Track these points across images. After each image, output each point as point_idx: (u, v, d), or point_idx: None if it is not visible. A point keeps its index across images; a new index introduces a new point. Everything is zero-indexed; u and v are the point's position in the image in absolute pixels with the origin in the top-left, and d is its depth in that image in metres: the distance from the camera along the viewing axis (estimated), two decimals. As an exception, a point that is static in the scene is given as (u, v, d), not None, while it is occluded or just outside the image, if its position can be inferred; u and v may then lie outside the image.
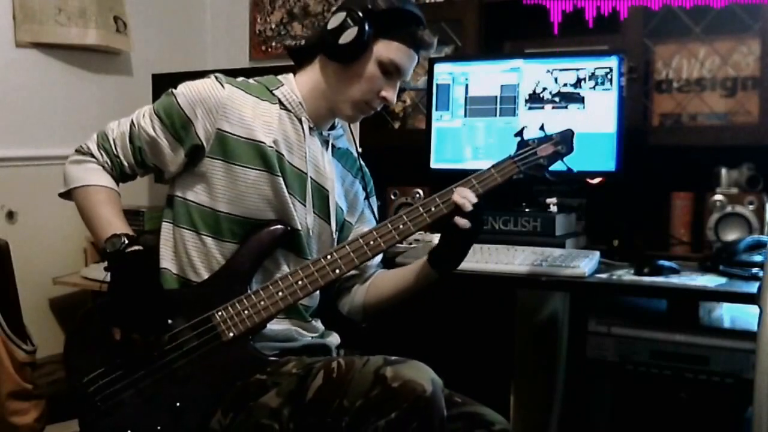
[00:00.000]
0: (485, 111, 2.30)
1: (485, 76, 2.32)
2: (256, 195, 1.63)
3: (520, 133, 1.72)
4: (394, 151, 2.52)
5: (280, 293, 1.58)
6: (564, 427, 2.39)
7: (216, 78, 1.67)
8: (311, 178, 1.69)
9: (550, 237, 2.12)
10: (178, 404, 1.55)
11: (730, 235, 2.10)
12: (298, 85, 1.71)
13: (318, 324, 1.76)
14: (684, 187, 2.25)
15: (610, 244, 2.17)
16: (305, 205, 1.68)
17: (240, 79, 1.71)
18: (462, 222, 1.60)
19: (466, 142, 2.32)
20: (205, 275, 1.64)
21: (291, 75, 1.74)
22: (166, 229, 1.70)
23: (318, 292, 1.70)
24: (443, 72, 2.37)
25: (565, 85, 2.21)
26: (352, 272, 1.71)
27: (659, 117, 2.37)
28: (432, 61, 2.41)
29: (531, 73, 2.25)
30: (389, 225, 1.62)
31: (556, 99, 2.21)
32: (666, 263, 1.93)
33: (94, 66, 2.92)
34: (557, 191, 2.26)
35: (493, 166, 1.67)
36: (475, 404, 1.61)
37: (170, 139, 1.65)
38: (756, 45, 2.21)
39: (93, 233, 1.65)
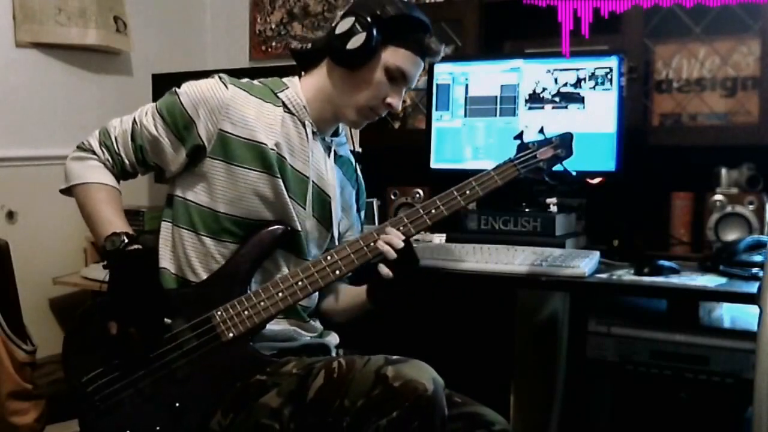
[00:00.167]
0: (485, 111, 2.30)
1: (485, 76, 2.31)
2: (255, 196, 1.63)
3: (519, 136, 1.72)
4: (394, 151, 2.52)
5: (280, 294, 1.58)
6: (564, 427, 2.39)
7: (220, 78, 1.67)
8: (314, 182, 1.69)
9: (550, 237, 2.12)
10: (177, 404, 1.55)
11: (730, 235, 2.10)
12: (302, 89, 1.71)
13: (317, 324, 1.76)
14: (684, 187, 2.25)
15: (610, 244, 2.17)
16: (305, 209, 1.68)
17: (244, 80, 1.71)
18: (384, 271, 1.58)
19: (466, 142, 2.32)
20: (204, 275, 1.64)
21: (296, 78, 1.74)
22: (166, 228, 1.70)
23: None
24: (443, 72, 2.37)
25: (565, 85, 2.21)
26: None
27: (659, 117, 2.37)
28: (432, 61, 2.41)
29: (531, 73, 2.25)
30: (390, 226, 1.62)
31: (556, 99, 2.21)
32: (666, 263, 1.93)
33: (94, 66, 2.92)
34: (557, 191, 2.25)
35: (493, 169, 1.68)
36: (475, 404, 1.62)
37: (172, 138, 1.65)
38: (756, 45, 2.21)
39: (93, 231, 1.65)
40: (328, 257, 1.60)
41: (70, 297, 2.79)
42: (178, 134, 1.64)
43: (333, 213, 1.73)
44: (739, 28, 2.24)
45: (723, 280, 1.86)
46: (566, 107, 2.20)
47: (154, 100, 1.71)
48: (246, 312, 1.58)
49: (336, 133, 1.79)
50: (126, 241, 1.55)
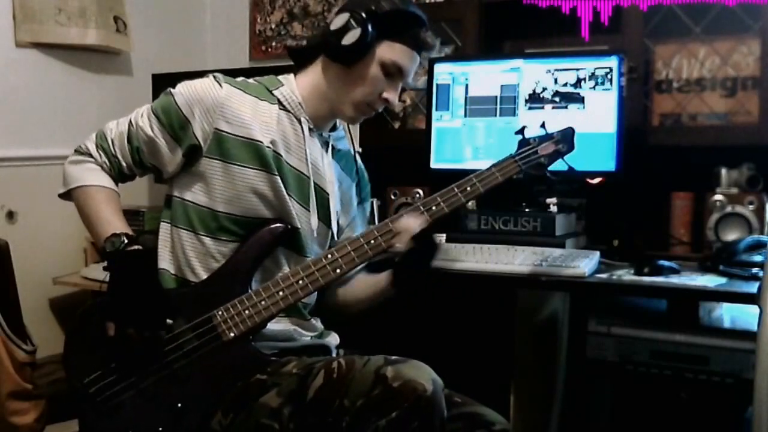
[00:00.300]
0: (485, 111, 2.30)
1: (485, 76, 2.31)
2: (254, 194, 1.63)
3: (521, 132, 1.72)
4: (394, 151, 2.52)
5: (281, 293, 1.58)
6: (564, 427, 2.39)
7: (214, 78, 1.67)
8: (313, 181, 1.69)
9: (550, 237, 2.12)
10: (179, 405, 1.55)
11: (730, 235, 2.09)
12: (298, 86, 1.71)
13: (317, 323, 1.76)
14: (684, 187, 2.25)
15: (610, 244, 2.17)
16: (308, 209, 1.68)
17: (239, 79, 1.71)
18: (399, 247, 1.60)
19: (466, 142, 2.32)
20: (203, 275, 1.64)
21: (291, 75, 1.74)
22: (164, 229, 1.70)
23: (316, 290, 1.70)
24: (443, 72, 2.37)
25: (565, 85, 2.21)
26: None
27: (659, 117, 2.37)
28: (432, 61, 2.41)
29: (531, 73, 2.25)
30: (390, 224, 1.62)
31: (556, 99, 2.21)
32: (666, 263, 1.93)
33: (94, 66, 2.92)
34: (557, 191, 2.25)
35: (494, 165, 1.68)
36: (475, 404, 1.62)
37: (168, 138, 1.65)
38: (756, 45, 2.21)
39: (92, 233, 1.65)
40: (329, 255, 1.60)
41: (70, 297, 2.79)
42: (174, 134, 1.64)
43: (331, 209, 1.73)
44: (739, 28, 2.24)
45: (723, 280, 1.86)
46: (566, 107, 2.20)
47: (154, 100, 1.71)
48: (246, 311, 1.58)
49: (334, 128, 1.79)
50: (126, 241, 1.55)
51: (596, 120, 2.15)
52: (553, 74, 2.22)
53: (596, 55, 2.20)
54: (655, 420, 1.94)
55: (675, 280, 1.87)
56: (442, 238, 2.17)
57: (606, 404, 2.03)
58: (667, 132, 2.33)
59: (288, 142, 1.68)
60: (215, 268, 1.64)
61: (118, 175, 1.71)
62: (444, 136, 2.36)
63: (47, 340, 2.27)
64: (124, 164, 1.69)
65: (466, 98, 2.33)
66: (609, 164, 2.14)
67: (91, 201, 1.65)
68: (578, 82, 2.19)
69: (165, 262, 1.68)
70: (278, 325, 1.65)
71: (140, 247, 1.57)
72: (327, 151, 1.74)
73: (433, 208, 1.63)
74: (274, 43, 3.19)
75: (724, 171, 2.19)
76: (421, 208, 1.63)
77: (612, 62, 2.16)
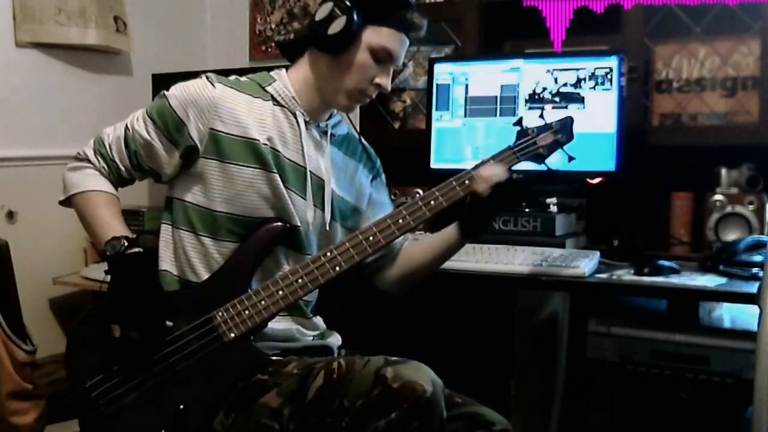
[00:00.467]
0: (485, 111, 2.30)
1: (485, 76, 2.32)
2: (253, 193, 1.63)
3: (519, 123, 1.71)
4: (394, 151, 2.50)
5: (281, 292, 1.58)
6: (564, 427, 2.39)
7: (207, 78, 1.66)
8: (311, 172, 1.69)
9: (550, 237, 2.12)
10: (180, 406, 1.55)
11: (730, 235, 2.10)
12: (290, 80, 1.71)
13: (319, 322, 1.76)
14: (684, 187, 2.25)
15: (610, 244, 2.17)
16: (305, 199, 1.68)
17: (232, 77, 1.71)
18: (482, 189, 1.61)
19: (466, 142, 2.32)
20: (205, 276, 1.64)
21: (283, 71, 1.73)
22: (165, 231, 1.70)
23: (317, 288, 1.70)
24: (443, 72, 2.37)
25: (565, 85, 2.21)
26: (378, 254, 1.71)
27: (659, 117, 2.37)
28: (432, 61, 2.41)
29: (531, 73, 2.25)
30: (388, 220, 1.62)
31: (556, 99, 2.21)
32: (666, 263, 1.94)
33: (94, 66, 2.92)
34: (557, 191, 2.25)
35: (492, 157, 1.67)
36: (476, 404, 1.61)
37: (164, 141, 1.65)
38: (756, 45, 2.21)
39: (93, 237, 1.65)
40: (328, 253, 1.60)
41: (70, 297, 2.79)
42: (170, 137, 1.64)
43: (326, 197, 1.71)
44: (739, 28, 2.24)
45: (723, 280, 1.86)
46: (566, 107, 2.20)
47: (153, 100, 1.71)
48: (247, 311, 1.58)
49: (330, 116, 1.78)
50: (125, 244, 1.55)
51: (596, 120, 2.15)
52: (553, 74, 2.22)
53: (596, 55, 2.21)
54: (655, 420, 1.94)
55: (675, 280, 1.87)
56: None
57: (606, 404, 2.03)
58: (667, 132, 2.33)
59: (285, 138, 1.67)
60: (216, 269, 1.64)
61: (117, 179, 1.71)
62: (444, 136, 2.36)
63: (47, 340, 2.28)
64: (122, 168, 1.69)
65: (466, 98, 2.33)
66: (609, 164, 2.14)
67: (91, 205, 1.66)
68: (578, 82, 2.19)
69: (167, 263, 1.68)
70: (280, 324, 1.65)
71: (140, 250, 1.57)
72: (327, 141, 1.73)
73: (432, 202, 1.62)
74: (273, 43, 3.19)
75: (724, 171, 2.19)
76: (420, 202, 1.63)
77: (612, 62, 2.16)
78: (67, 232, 2.73)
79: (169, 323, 1.57)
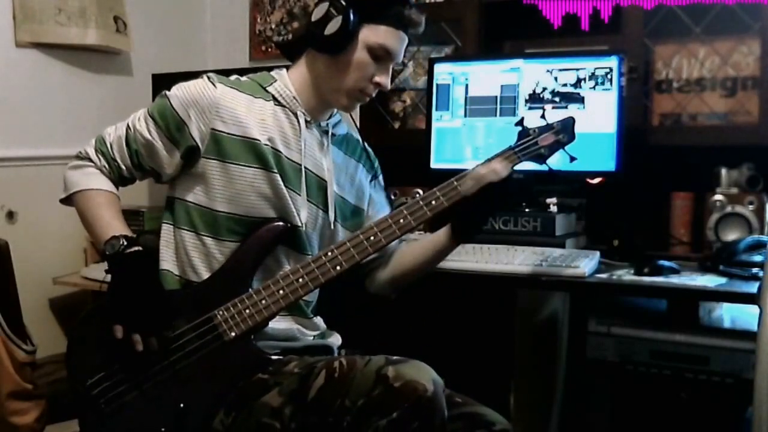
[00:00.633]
0: (485, 111, 2.30)
1: (485, 76, 2.32)
2: (254, 193, 1.63)
3: (520, 123, 1.70)
4: (394, 151, 2.51)
5: (281, 291, 1.58)
6: (564, 427, 2.39)
7: (208, 78, 1.66)
8: (308, 169, 1.68)
9: (550, 237, 2.12)
10: (181, 405, 1.55)
11: (730, 235, 2.10)
12: (291, 80, 1.71)
13: (319, 322, 1.76)
14: (684, 187, 2.25)
15: (610, 244, 2.17)
16: (307, 200, 1.68)
17: (233, 77, 1.71)
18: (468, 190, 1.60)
19: (466, 142, 2.32)
20: (206, 275, 1.64)
21: (284, 70, 1.73)
22: (166, 230, 1.70)
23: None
24: (443, 72, 2.37)
25: (565, 85, 2.21)
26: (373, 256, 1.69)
27: (659, 117, 2.37)
28: (432, 61, 2.42)
29: (531, 73, 2.25)
30: (389, 219, 1.62)
31: (556, 99, 2.21)
32: (666, 263, 1.94)
33: (94, 66, 2.92)
34: (557, 191, 2.25)
35: (493, 157, 1.66)
36: (476, 404, 1.62)
37: (165, 141, 1.65)
38: (756, 45, 2.21)
39: (93, 236, 1.66)
40: (329, 253, 1.60)
41: (70, 297, 2.79)
42: (171, 137, 1.65)
43: (329, 197, 1.72)
44: (739, 28, 2.24)
45: (723, 280, 1.86)
46: (566, 107, 2.20)
47: (154, 100, 1.71)
48: (247, 311, 1.58)
49: (330, 116, 1.78)
50: (125, 243, 1.55)
51: (596, 120, 2.15)
52: (552, 74, 2.22)
53: (596, 55, 2.21)
54: (655, 420, 1.94)
55: (675, 280, 1.87)
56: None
57: (606, 404, 2.03)
58: (667, 132, 2.34)
59: (286, 138, 1.67)
60: (217, 269, 1.64)
61: (118, 178, 1.71)
62: (444, 136, 2.36)
63: (47, 340, 2.27)
64: (123, 168, 1.69)
65: (466, 98, 2.33)
66: (609, 164, 2.14)
67: (91, 204, 1.66)
68: (578, 82, 2.19)
69: (168, 263, 1.68)
70: (281, 324, 1.65)
71: (140, 249, 1.57)
72: (328, 141, 1.73)
73: (433, 202, 1.62)
74: (274, 44, 3.19)
75: (724, 171, 2.19)
76: (421, 203, 1.63)
77: (612, 62, 2.16)
78: (67, 232, 2.73)
79: (169, 321, 1.57)
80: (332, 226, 1.72)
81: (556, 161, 1.72)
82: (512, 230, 2.16)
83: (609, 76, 2.16)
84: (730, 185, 2.18)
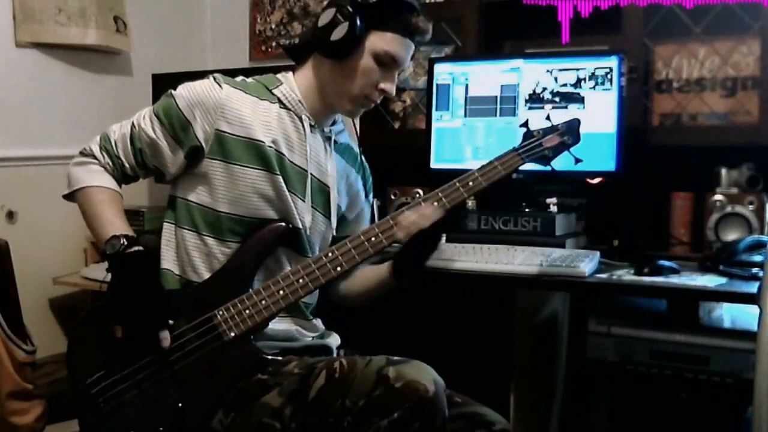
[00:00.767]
0: (485, 111, 2.30)
1: (485, 76, 2.32)
2: (256, 194, 1.63)
3: (525, 125, 1.70)
4: (394, 151, 2.52)
5: (281, 292, 1.58)
6: (564, 427, 2.39)
7: (214, 79, 1.67)
8: (313, 175, 1.69)
9: (550, 237, 2.12)
10: (180, 404, 1.55)
11: (730, 235, 2.10)
12: (297, 83, 1.71)
13: (318, 324, 1.76)
14: (684, 187, 2.25)
15: (610, 244, 2.17)
16: (305, 201, 1.68)
17: (239, 78, 1.71)
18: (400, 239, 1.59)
19: (466, 142, 2.32)
20: (207, 276, 1.64)
21: (290, 73, 1.73)
22: (168, 229, 1.70)
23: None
24: (443, 72, 2.37)
25: (565, 85, 2.21)
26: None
27: (659, 117, 2.38)
28: (432, 61, 2.42)
29: (531, 73, 2.25)
30: (391, 221, 1.62)
31: (556, 99, 2.21)
32: (666, 263, 1.94)
33: (94, 66, 2.91)
34: (557, 191, 2.25)
35: (496, 159, 1.66)
36: (476, 404, 1.62)
37: (170, 140, 1.65)
38: (756, 45, 2.22)
39: (94, 234, 1.66)
40: (329, 254, 1.60)
41: (70, 297, 2.79)
42: (176, 136, 1.65)
43: (332, 203, 1.72)
44: (739, 28, 2.25)
45: (723, 280, 1.86)
46: (566, 107, 2.20)
47: (154, 100, 1.72)
48: (247, 311, 1.58)
49: (333, 122, 1.78)
50: (125, 243, 1.55)
51: (596, 120, 2.15)
52: (552, 74, 2.22)
53: (596, 55, 2.21)
54: (655, 420, 1.94)
55: (675, 280, 1.87)
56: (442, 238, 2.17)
57: (606, 404, 2.03)
58: (667, 132, 2.34)
59: (290, 141, 1.68)
60: (218, 269, 1.64)
61: (122, 176, 1.71)
62: (444, 136, 2.36)
63: (47, 340, 2.27)
64: (127, 166, 1.69)
65: (466, 98, 2.33)
66: (609, 164, 2.14)
67: (93, 202, 1.66)
68: (578, 82, 2.19)
69: (168, 262, 1.68)
70: (280, 325, 1.65)
71: (141, 248, 1.57)
72: (330, 146, 1.74)
73: (435, 203, 1.62)
74: (274, 43, 3.19)
75: (724, 171, 2.19)
76: (422, 203, 1.62)
77: (612, 62, 2.16)
78: (67, 232, 2.73)
79: (169, 322, 1.57)
80: (334, 231, 1.73)
81: (558, 161, 1.71)
82: (512, 230, 2.16)
83: (609, 76, 2.16)
84: (730, 185, 2.18)
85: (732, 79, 2.28)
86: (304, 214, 1.68)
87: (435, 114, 2.37)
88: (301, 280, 1.59)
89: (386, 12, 1.63)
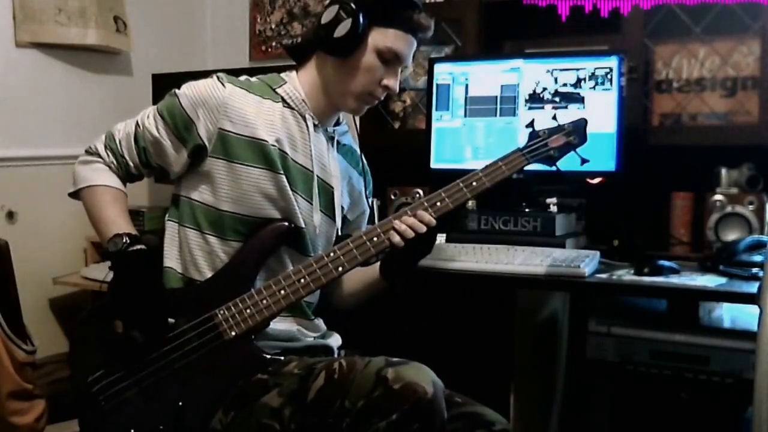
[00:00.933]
0: (485, 111, 2.30)
1: (485, 76, 2.31)
2: (259, 193, 1.63)
3: (531, 124, 1.70)
4: (394, 151, 2.52)
5: (282, 291, 1.58)
6: (564, 427, 2.39)
7: (218, 78, 1.67)
8: (317, 175, 1.69)
9: (550, 237, 2.12)
10: (180, 403, 1.55)
11: (730, 235, 2.10)
12: (300, 83, 1.71)
13: (320, 323, 1.76)
14: (684, 187, 2.25)
15: (610, 244, 2.17)
16: (311, 203, 1.68)
17: (243, 77, 1.71)
18: (396, 240, 1.59)
19: (466, 142, 2.32)
20: (209, 274, 1.65)
21: (294, 73, 1.74)
22: (171, 228, 1.71)
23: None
24: (443, 72, 2.37)
25: (564, 85, 2.21)
26: None
27: (659, 117, 2.38)
28: (432, 61, 2.41)
29: (531, 73, 2.25)
30: (393, 221, 1.61)
31: (556, 99, 2.21)
32: (666, 263, 1.93)
33: (94, 66, 2.92)
34: (557, 191, 2.25)
35: (500, 159, 1.65)
36: (476, 404, 1.62)
37: (173, 139, 1.65)
38: (756, 45, 2.22)
39: (98, 233, 1.67)
40: (331, 253, 1.60)
41: (70, 297, 2.79)
42: (179, 135, 1.65)
43: (336, 204, 1.72)
44: (739, 28, 2.24)
45: (723, 280, 1.86)
46: (566, 107, 2.20)
47: (154, 100, 1.72)
48: (248, 310, 1.58)
49: (337, 123, 1.79)
50: (127, 242, 1.56)
51: (596, 120, 2.14)
52: (552, 74, 2.22)
53: (596, 55, 2.20)
54: (655, 420, 1.94)
55: (675, 280, 1.87)
56: (442, 238, 2.17)
57: (606, 404, 2.03)
58: (667, 132, 2.34)
59: (294, 140, 1.68)
60: (221, 268, 1.64)
61: (126, 175, 1.72)
62: (444, 136, 2.36)
63: (47, 340, 2.28)
64: (131, 164, 1.70)
65: (466, 98, 2.33)
66: (609, 164, 2.14)
67: (98, 201, 1.67)
68: (578, 82, 2.19)
69: (171, 260, 1.68)
70: (282, 325, 1.65)
71: (143, 247, 1.57)
72: (332, 146, 1.74)
73: (438, 204, 1.62)
74: (274, 43, 3.19)
75: (724, 171, 2.19)
76: (425, 204, 1.62)
77: (612, 62, 2.16)
78: (67, 232, 2.73)
79: (170, 320, 1.57)
80: (339, 232, 1.73)
81: (564, 162, 1.71)
82: (512, 230, 2.16)
83: (609, 76, 2.16)
84: (730, 185, 2.18)
85: (732, 79, 2.28)
86: (310, 215, 1.68)
87: (435, 114, 2.37)
88: (302, 280, 1.59)
89: (388, 8, 1.63)
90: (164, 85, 1.74)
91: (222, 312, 1.58)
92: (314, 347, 1.71)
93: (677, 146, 2.28)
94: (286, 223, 1.65)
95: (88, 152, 1.73)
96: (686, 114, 2.34)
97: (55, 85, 2.80)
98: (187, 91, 1.66)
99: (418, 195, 2.45)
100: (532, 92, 2.24)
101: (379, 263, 1.72)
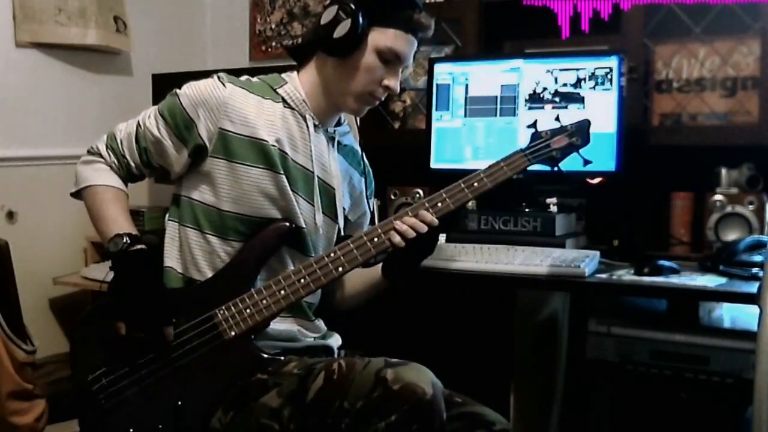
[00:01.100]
0: (485, 111, 2.30)
1: (485, 76, 2.31)
2: (259, 193, 1.63)
3: (533, 125, 1.69)
4: (394, 151, 2.52)
5: (282, 291, 1.58)
6: (564, 427, 2.39)
7: (218, 77, 1.67)
8: (318, 176, 1.69)
9: (550, 237, 2.12)
10: (179, 403, 1.55)
11: (730, 235, 2.10)
12: (301, 83, 1.71)
13: (320, 324, 1.76)
14: (684, 187, 2.25)
15: (610, 244, 2.17)
16: (313, 205, 1.68)
17: (243, 77, 1.71)
18: (396, 240, 1.59)
19: (466, 142, 2.32)
20: (209, 274, 1.65)
21: (294, 73, 1.74)
22: (172, 227, 1.71)
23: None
24: (443, 72, 2.37)
25: (565, 85, 2.21)
26: None
27: (659, 117, 2.38)
28: (432, 61, 2.42)
29: (531, 73, 2.25)
30: (393, 222, 1.61)
31: (556, 99, 2.21)
32: (666, 263, 1.93)
33: (94, 66, 2.92)
34: (557, 191, 2.25)
35: (502, 159, 1.65)
36: (476, 404, 1.62)
37: (174, 139, 1.66)
38: (756, 45, 2.22)
39: (99, 233, 1.67)
40: (331, 254, 1.60)
41: (70, 297, 2.79)
42: (180, 135, 1.65)
43: (337, 204, 1.72)
44: (739, 28, 2.24)
45: (723, 280, 1.86)
46: (566, 107, 2.20)
47: (154, 100, 1.72)
48: (248, 310, 1.58)
49: (338, 123, 1.79)
50: (128, 241, 1.56)
51: (596, 120, 2.13)
52: (552, 74, 2.22)
53: (596, 55, 2.20)
54: (655, 420, 1.94)
55: (675, 280, 1.87)
56: (442, 238, 2.17)
57: (606, 404, 2.03)
58: (667, 132, 2.34)
59: (294, 140, 1.68)
60: (221, 268, 1.64)
61: (127, 175, 1.72)
62: (444, 136, 2.36)
63: (47, 340, 2.28)
64: (132, 164, 1.70)
65: (466, 98, 2.33)
66: (609, 164, 2.14)
67: (99, 201, 1.67)
68: (578, 82, 2.19)
69: (172, 260, 1.68)
70: (282, 325, 1.65)
71: (143, 247, 1.57)
72: (333, 146, 1.74)
73: (439, 204, 1.62)
74: (274, 43, 3.19)
75: (724, 171, 2.19)
76: (426, 204, 1.62)
77: (612, 62, 2.16)
78: (67, 232, 2.73)
79: (170, 319, 1.57)
80: (342, 232, 1.73)
81: (566, 163, 1.70)
82: (512, 230, 2.16)
83: (609, 76, 2.16)
84: (730, 185, 2.18)
85: (732, 79, 2.28)
86: (312, 216, 1.68)
87: (435, 114, 2.37)
88: (302, 280, 1.59)
89: (388, 8, 1.63)
90: (164, 85, 1.75)
91: (222, 312, 1.58)
92: (314, 347, 1.71)
93: (677, 146, 2.28)
94: (288, 223, 1.65)
95: (89, 152, 1.73)
96: (686, 114, 2.34)
97: (55, 85, 2.80)
98: (188, 91, 1.66)
99: (418, 195, 2.45)
100: (532, 92, 2.24)
101: (379, 264, 1.72)
